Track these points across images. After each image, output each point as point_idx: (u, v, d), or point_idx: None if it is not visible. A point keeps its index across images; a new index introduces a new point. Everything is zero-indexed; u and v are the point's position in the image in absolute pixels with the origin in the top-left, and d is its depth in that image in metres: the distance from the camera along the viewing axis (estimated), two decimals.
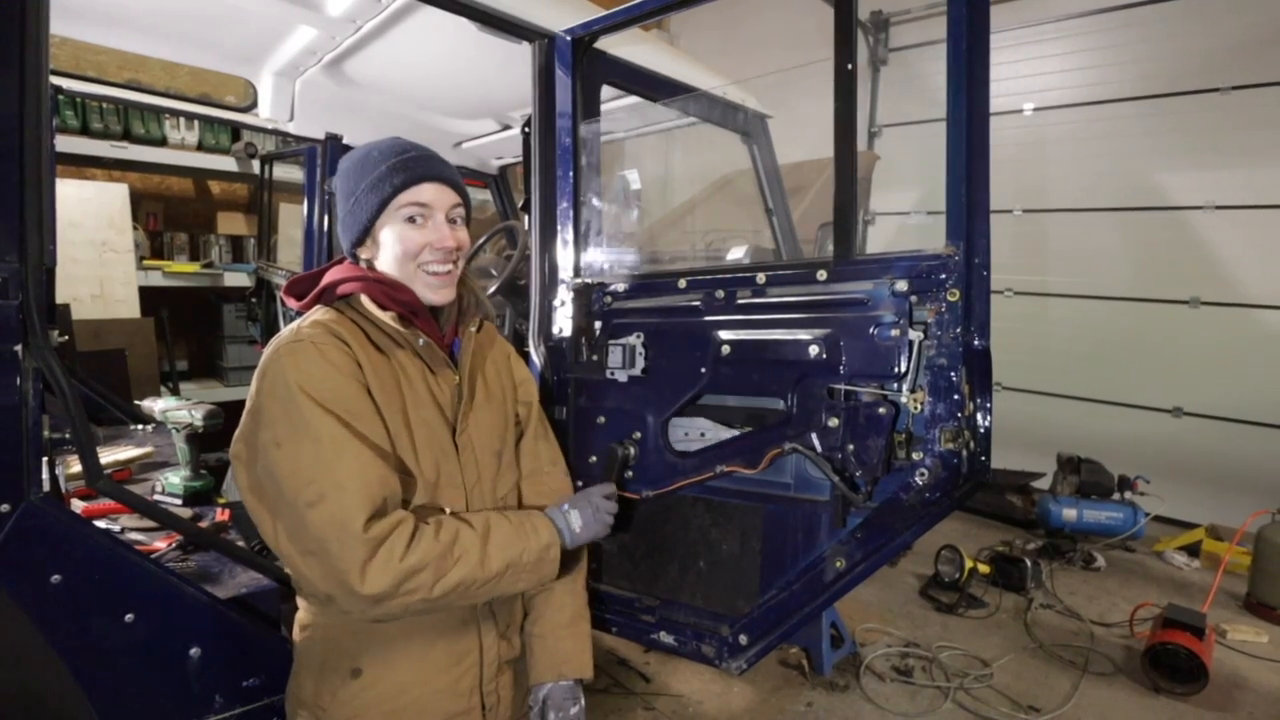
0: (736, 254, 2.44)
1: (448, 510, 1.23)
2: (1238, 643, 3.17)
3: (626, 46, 2.02)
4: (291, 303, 1.27)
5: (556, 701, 1.33)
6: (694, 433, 1.61)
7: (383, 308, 1.22)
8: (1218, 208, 4.68)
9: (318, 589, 1.08)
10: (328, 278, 1.25)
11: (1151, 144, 4.90)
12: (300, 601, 1.28)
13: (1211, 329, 4.73)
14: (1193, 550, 4.10)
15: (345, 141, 3.25)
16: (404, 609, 1.10)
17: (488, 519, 1.21)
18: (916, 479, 1.26)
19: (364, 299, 1.22)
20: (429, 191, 1.23)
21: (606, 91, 2.00)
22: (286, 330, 1.18)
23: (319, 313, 1.21)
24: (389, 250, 1.23)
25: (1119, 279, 5.07)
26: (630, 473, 1.65)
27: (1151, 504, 4.15)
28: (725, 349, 1.50)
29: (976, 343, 1.23)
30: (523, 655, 1.38)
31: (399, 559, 1.06)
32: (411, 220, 1.22)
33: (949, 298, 1.23)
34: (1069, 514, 4.13)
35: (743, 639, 1.51)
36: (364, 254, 1.27)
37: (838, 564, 1.38)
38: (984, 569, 3.62)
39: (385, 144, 1.26)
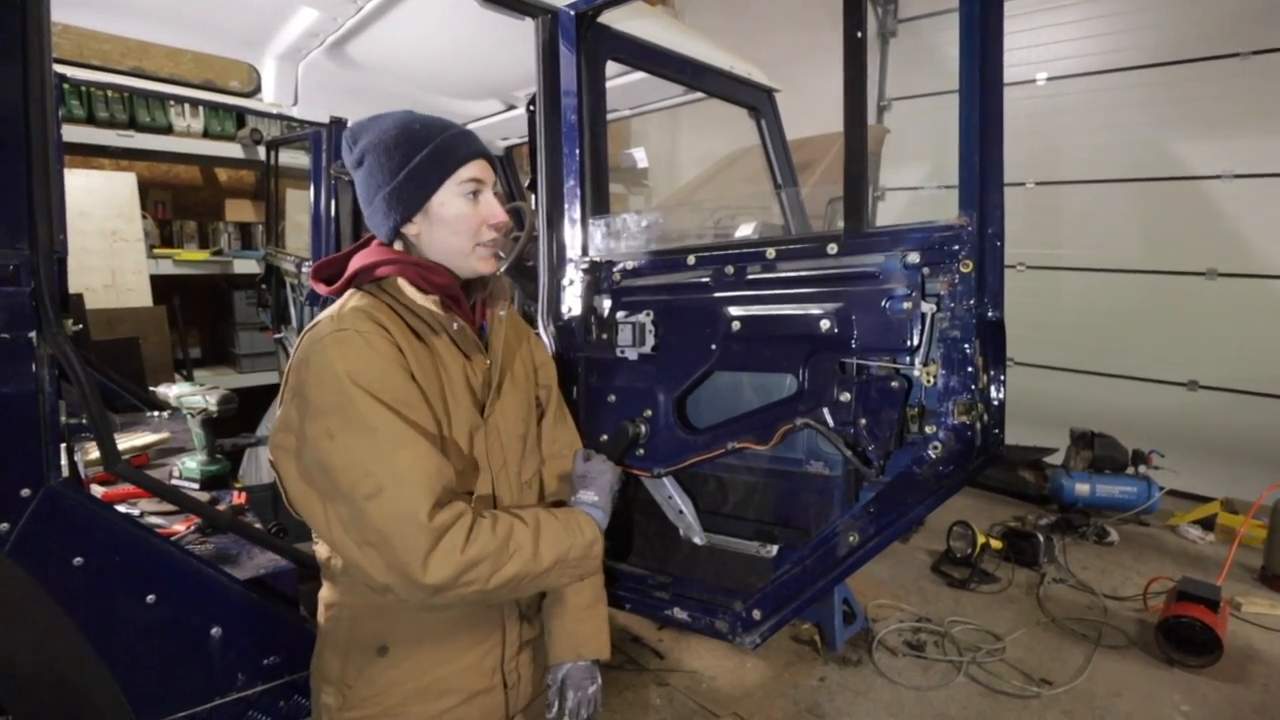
0: (745, 230, 2.42)
1: (474, 495, 1.24)
2: (1252, 616, 3.16)
3: (631, 21, 1.99)
4: (321, 288, 1.25)
5: (575, 681, 1.34)
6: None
7: (422, 292, 1.20)
8: (1236, 176, 4.59)
9: (375, 580, 1.08)
10: (360, 260, 1.23)
11: (1168, 112, 4.80)
12: (325, 581, 1.29)
13: (1228, 301, 4.66)
14: (1207, 524, 4.08)
15: (350, 124, 3.24)
16: (459, 599, 1.11)
17: (537, 515, 1.22)
18: (930, 452, 1.25)
19: (402, 282, 1.20)
20: (482, 167, 1.25)
21: (612, 68, 1.98)
22: (324, 317, 1.16)
23: (355, 298, 1.19)
24: (448, 227, 1.22)
25: (1134, 251, 5.00)
26: (642, 450, 1.65)
27: (1166, 478, 4.13)
28: (736, 325, 1.49)
29: (990, 314, 1.21)
30: (542, 635, 1.39)
31: (460, 550, 1.07)
32: (470, 195, 1.23)
33: (962, 269, 1.21)
34: (1082, 489, 4.11)
35: (756, 614, 1.51)
36: (412, 231, 1.23)
37: (851, 538, 1.38)
38: (996, 544, 3.62)
39: (419, 118, 1.23)
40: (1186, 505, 4.35)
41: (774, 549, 1.53)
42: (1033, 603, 3.28)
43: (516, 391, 1.36)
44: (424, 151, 1.19)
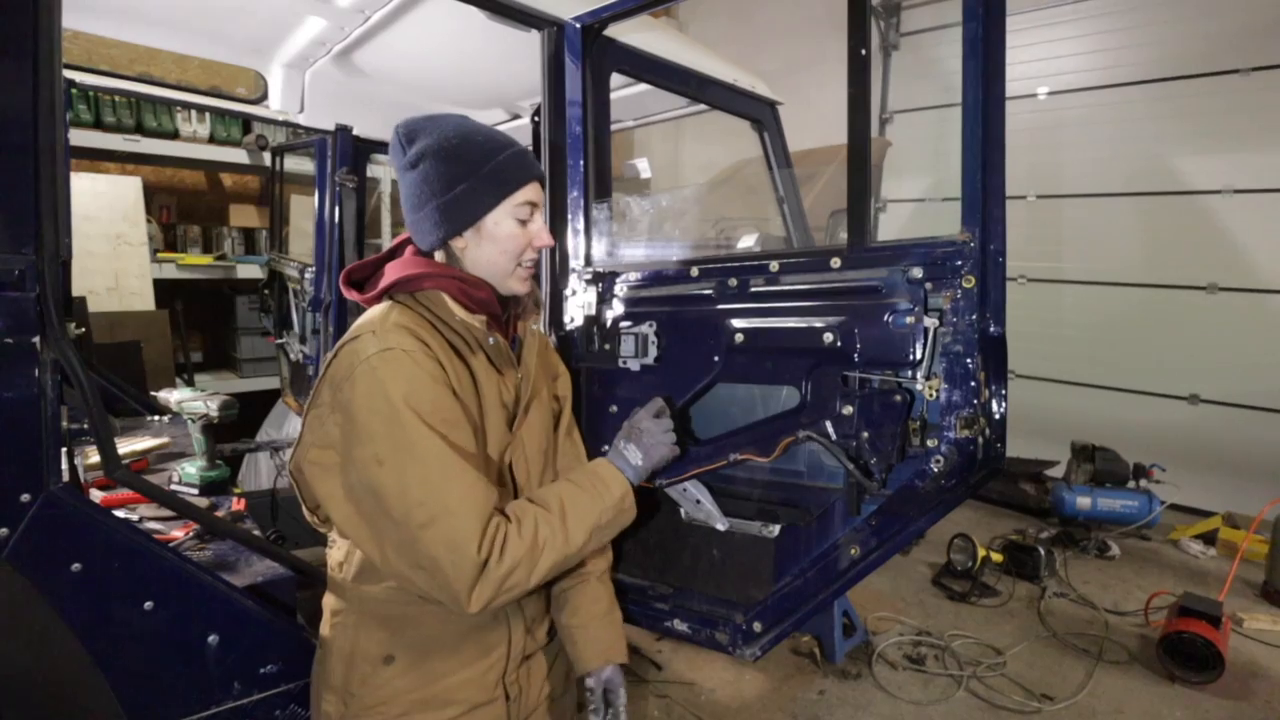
0: (747, 242, 2.43)
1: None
2: (1255, 631, 3.14)
3: (636, 34, 2.01)
4: (353, 295, 1.24)
5: (616, 682, 1.37)
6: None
7: (465, 308, 1.19)
8: (1236, 191, 4.60)
9: (429, 596, 1.11)
10: (400, 270, 1.21)
11: (1168, 127, 4.82)
12: (332, 589, 1.29)
13: (1229, 315, 4.66)
14: (1209, 538, 4.06)
15: (356, 133, 3.25)
16: (508, 603, 1.14)
17: (560, 495, 1.22)
18: (932, 466, 1.26)
19: (445, 297, 1.19)
20: (537, 190, 1.24)
21: (616, 79, 1.99)
22: (365, 331, 1.14)
23: (395, 312, 1.17)
24: (497, 245, 1.21)
25: (1135, 265, 5.00)
26: None
27: (1167, 492, 4.11)
28: (738, 337, 1.50)
29: (992, 329, 1.22)
30: (543, 647, 1.39)
31: (494, 568, 1.08)
32: (524, 217, 1.22)
33: (964, 284, 1.22)
34: (1083, 502, 4.10)
35: (757, 626, 1.51)
36: (459, 245, 1.22)
37: (852, 551, 1.39)
38: (997, 557, 3.61)
39: (481, 129, 1.21)
40: (1188, 519, 4.33)
41: (776, 529, 1.52)
42: (1033, 617, 3.26)
43: (541, 406, 1.37)
44: (487, 167, 1.18)
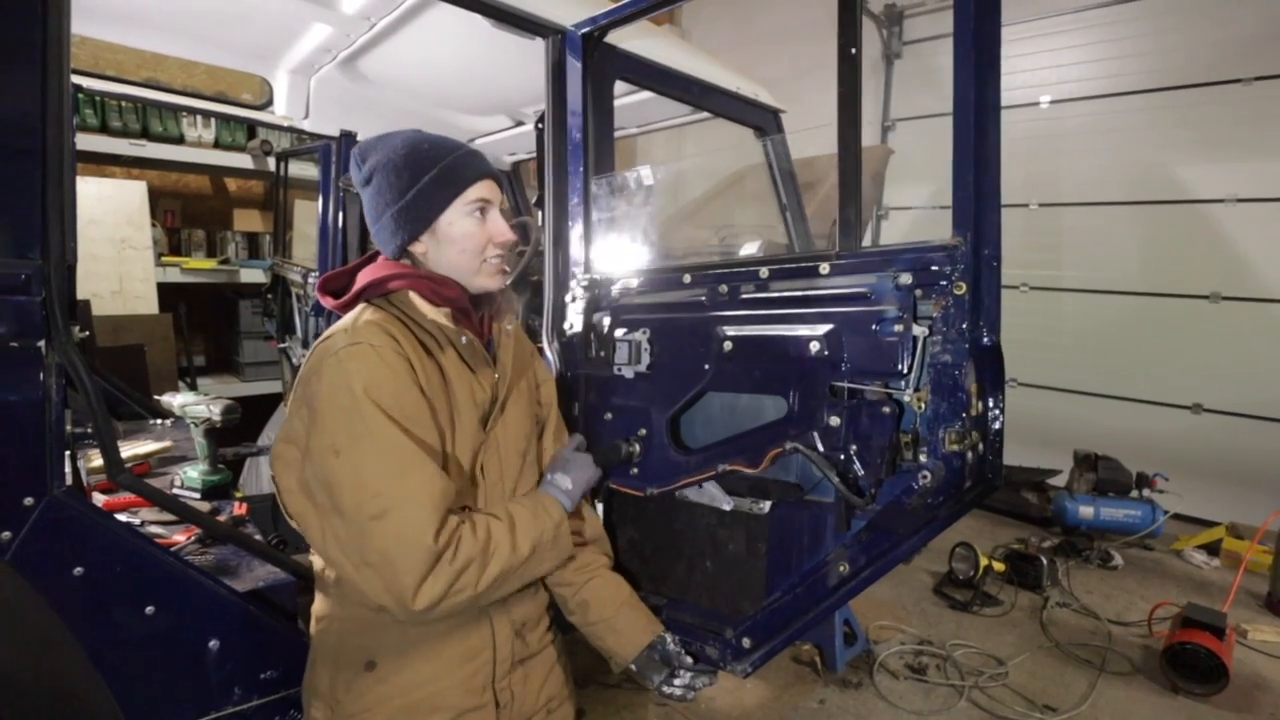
0: (749, 250, 2.43)
1: (467, 510, 1.24)
2: (1259, 643, 3.12)
3: (638, 41, 2.02)
4: (328, 301, 1.26)
5: (669, 645, 1.44)
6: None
7: (432, 305, 1.22)
8: (1239, 200, 4.60)
9: (369, 599, 1.09)
10: (369, 275, 1.24)
11: (1171, 136, 4.82)
12: (318, 593, 1.29)
13: (1232, 324, 4.65)
14: (1212, 549, 4.04)
15: (360, 139, 3.28)
16: (451, 610, 1.11)
17: (507, 508, 1.24)
18: (918, 481, 1.20)
19: (413, 296, 1.22)
20: (490, 187, 1.27)
21: (619, 86, 2.00)
22: (337, 330, 1.17)
23: (367, 312, 1.20)
24: (455, 245, 1.24)
25: (1137, 274, 4.99)
26: (635, 470, 1.64)
27: (1170, 502, 4.09)
28: (727, 345, 1.46)
29: (985, 339, 1.15)
30: (538, 653, 1.38)
31: (450, 563, 1.08)
32: (478, 215, 1.24)
33: (955, 291, 1.16)
34: (1086, 511, 4.08)
35: (746, 642, 1.48)
36: (419, 249, 1.25)
37: (841, 568, 1.34)
38: (999, 567, 3.59)
39: (428, 138, 1.25)
40: (1191, 529, 4.31)
41: (766, 505, 1.50)
42: (1036, 627, 3.25)
43: (520, 407, 1.37)
44: (432, 172, 1.21)
